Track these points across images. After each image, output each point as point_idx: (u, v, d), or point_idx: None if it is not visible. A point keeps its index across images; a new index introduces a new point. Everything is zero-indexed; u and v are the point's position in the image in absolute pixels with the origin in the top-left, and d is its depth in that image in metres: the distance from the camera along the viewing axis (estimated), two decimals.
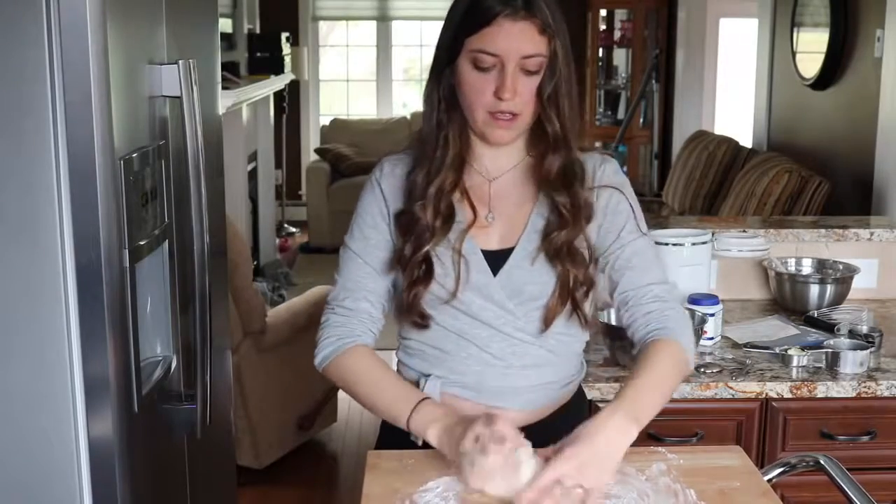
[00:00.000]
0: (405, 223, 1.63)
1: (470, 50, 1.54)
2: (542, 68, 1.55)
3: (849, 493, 1.51)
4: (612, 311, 2.24)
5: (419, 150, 1.64)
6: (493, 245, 1.64)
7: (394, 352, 1.75)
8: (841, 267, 2.65)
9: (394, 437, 1.63)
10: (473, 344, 1.64)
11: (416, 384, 1.68)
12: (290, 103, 7.62)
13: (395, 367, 1.76)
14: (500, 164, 1.66)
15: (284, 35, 6.61)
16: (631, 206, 1.67)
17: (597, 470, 1.41)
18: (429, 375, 1.67)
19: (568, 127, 1.60)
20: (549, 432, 1.53)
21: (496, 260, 1.63)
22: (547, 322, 1.63)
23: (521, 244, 1.63)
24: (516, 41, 1.52)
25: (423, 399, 1.57)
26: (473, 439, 1.42)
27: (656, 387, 1.54)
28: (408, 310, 1.64)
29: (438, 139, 1.61)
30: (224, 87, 3.34)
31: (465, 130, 1.62)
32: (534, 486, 1.38)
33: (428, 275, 1.61)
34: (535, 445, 1.48)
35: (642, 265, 1.65)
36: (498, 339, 1.64)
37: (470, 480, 1.43)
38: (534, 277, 1.62)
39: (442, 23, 1.63)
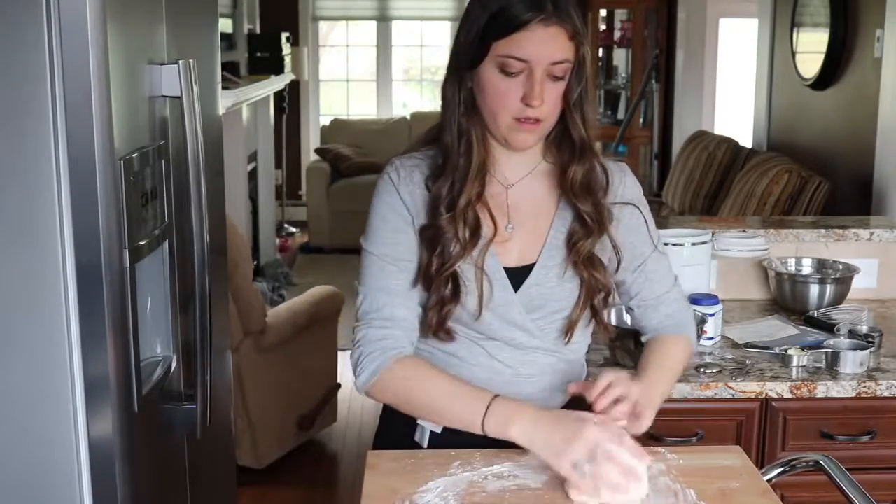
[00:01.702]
0: (430, 237, 1.58)
1: (497, 55, 1.51)
2: (568, 74, 1.54)
3: (848, 493, 1.51)
4: (613, 311, 2.25)
5: (441, 158, 1.60)
6: (513, 262, 1.62)
7: None
8: (841, 267, 2.65)
9: (392, 435, 1.63)
10: (485, 352, 1.63)
11: None
12: (290, 103, 7.62)
13: None
14: (517, 170, 1.64)
15: (284, 35, 6.61)
16: (646, 220, 1.71)
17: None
18: None
19: (592, 133, 1.60)
20: None
21: (515, 276, 1.62)
22: (568, 332, 1.64)
23: (540, 261, 1.62)
24: (547, 47, 1.50)
25: (494, 397, 1.49)
26: (585, 449, 1.38)
27: (669, 380, 1.69)
28: (436, 327, 1.59)
29: (460, 146, 1.57)
30: (224, 87, 3.34)
31: (485, 135, 1.59)
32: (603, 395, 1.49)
33: (456, 292, 1.58)
34: None
35: (660, 277, 1.73)
36: (510, 350, 1.63)
37: (577, 488, 1.39)
38: (555, 292, 1.62)
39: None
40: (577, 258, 1.60)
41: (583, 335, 1.68)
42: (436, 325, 1.59)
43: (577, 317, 1.63)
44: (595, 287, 1.62)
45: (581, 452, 1.38)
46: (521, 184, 1.64)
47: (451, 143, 1.58)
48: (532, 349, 1.64)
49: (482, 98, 1.55)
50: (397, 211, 1.60)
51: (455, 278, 1.57)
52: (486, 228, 1.60)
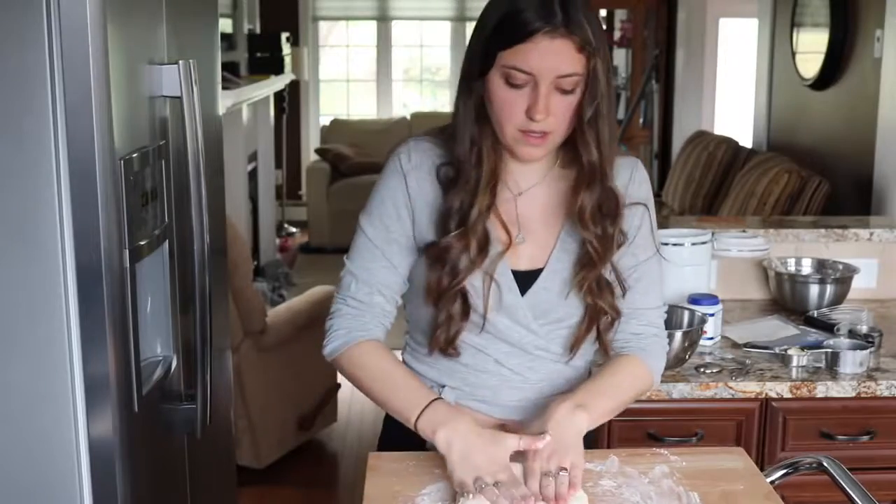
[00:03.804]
0: (437, 254, 1.55)
1: (503, 65, 1.46)
2: (577, 87, 1.48)
3: (852, 495, 1.51)
4: None
5: (454, 171, 1.56)
6: (522, 265, 1.60)
7: (399, 352, 1.73)
8: (841, 267, 2.65)
9: (397, 434, 1.62)
10: (492, 358, 1.62)
11: None
12: (290, 103, 7.62)
13: None
14: (528, 177, 1.60)
15: (284, 35, 6.61)
16: (651, 222, 1.64)
17: (571, 451, 1.45)
18: (443, 386, 1.64)
19: (605, 155, 1.52)
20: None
21: (524, 279, 1.59)
22: (573, 348, 1.62)
23: (550, 264, 1.59)
24: (553, 60, 1.44)
25: (435, 399, 1.52)
26: (492, 481, 1.39)
27: (612, 395, 1.59)
28: (445, 345, 1.59)
29: (472, 157, 1.53)
30: (224, 87, 3.34)
31: (497, 144, 1.55)
32: (528, 485, 1.40)
33: (465, 310, 1.56)
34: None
35: (646, 288, 1.65)
36: (518, 354, 1.62)
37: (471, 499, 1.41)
38: (562, 301, 1.59)
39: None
40: (583, 284, 1.57)
41: (586, 348, 1.66)
42: (444, 343, 1.58)
43: (582, 334, 1.60)
44: (600, 311, 1.59)
45: (491, 474, 1.40)
46: (530, 192, 1.60)
47: (464, 155, 1.54)
48: (538, 355, 1.62)
49: (490, 107, 1.51)
50: (399, 198, 1.59)
51: (464, 295, 1.56)
52: (499, 239, 1.57)
